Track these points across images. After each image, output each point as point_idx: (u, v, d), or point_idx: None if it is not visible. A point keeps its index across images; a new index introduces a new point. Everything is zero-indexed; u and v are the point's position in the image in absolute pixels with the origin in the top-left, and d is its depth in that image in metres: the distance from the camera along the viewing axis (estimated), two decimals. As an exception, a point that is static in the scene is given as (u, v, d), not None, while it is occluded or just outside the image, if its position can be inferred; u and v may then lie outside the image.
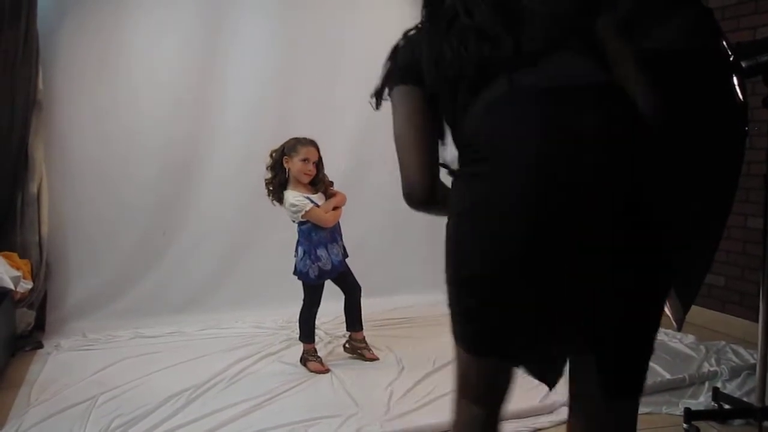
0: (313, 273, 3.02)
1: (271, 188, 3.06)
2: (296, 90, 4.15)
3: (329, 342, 3.45)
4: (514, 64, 1.14)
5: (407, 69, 1.27)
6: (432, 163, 1.28)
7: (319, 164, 3.07)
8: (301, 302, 3.12)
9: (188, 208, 4.02)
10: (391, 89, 1.31)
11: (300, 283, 3.09)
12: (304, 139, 3.05)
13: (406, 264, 4.37)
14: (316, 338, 3.23)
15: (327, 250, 3.04)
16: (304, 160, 3.00)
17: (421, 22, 1.30)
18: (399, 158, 1.30)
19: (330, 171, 3.15)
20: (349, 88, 4.23)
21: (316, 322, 3.17)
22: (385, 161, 4.31)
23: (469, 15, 1.19)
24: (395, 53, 1.32)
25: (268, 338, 3.52)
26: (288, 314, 3.58)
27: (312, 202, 3.01)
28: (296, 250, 3.08)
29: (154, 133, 3.92)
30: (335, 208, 3.09)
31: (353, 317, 3.22)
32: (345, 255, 3.15)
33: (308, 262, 3.02)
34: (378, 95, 1.34)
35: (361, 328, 3.24)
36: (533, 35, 1.16)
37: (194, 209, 4.02)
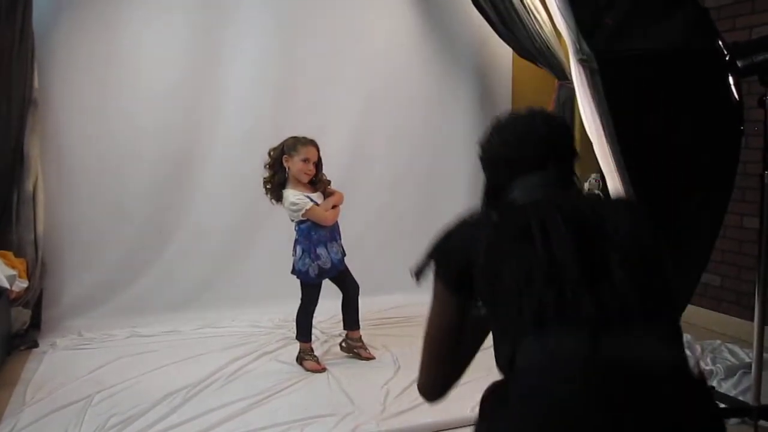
0: (313, 272, 3.02)
1: (269, 187, 3.06)
2: (294, 88, 4.14)
3: (326, 341, 3.45)
4: (585, 321, 1.06)
5: (455, 273, 1.23)
6: (450, 375, 1.31)
7: (318, 164, 3.07)
8: (298, 301, 3.12)
9: (185, 207, 4.01)
10: (434, 277, 1.27)
11: (297, 281, 3.09)
12: (304, 138, 3.05)
13: (402, 263, 4.33)
14: (313, 337, 3.22)
15: (327, 249, 3.04)
16: (305, 160, 2.99)
17: (483, 218, 1.25)
18: (423, 348, 1.32)
19: (326, 170, 3.15)
20: (346, 86, 4.24)
21: (313, 321, 3.17)
22: (381, 161, 4.37)
23: (546, 237, 1.13)
24: (446, 242, 1.26)
25: (265, 337, 3.51)
26: (284, 313, 3.57)
27: (312, 200, 3.01)
28: (294, 250, 3.08)
29: (151, 132, 3.91)
30: (334, 207, 3.09)
31: (351, 316, 3.22)
32: (344, 254, 3.14)
33: (308, 260, 3.02)
34: (418, 274, 1.29)
35: (359, 327, 3.24)
36: (611, 294, 1.08)
37: (191, 207, 4.01)
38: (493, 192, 1.36)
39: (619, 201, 1.45)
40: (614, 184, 2.40)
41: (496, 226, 1.21)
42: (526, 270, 1.12)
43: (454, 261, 1.24)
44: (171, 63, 3.94)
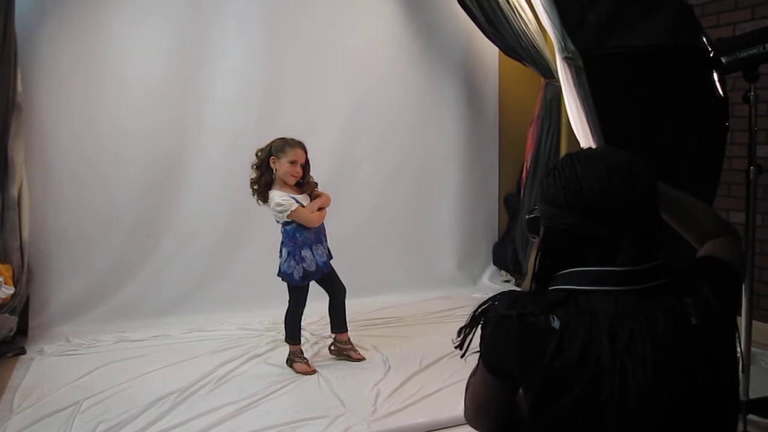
0: (297, 274, 3.01)
1: (256, 188, 3.04)
2: (281, 89, 4.13)
3: (315, 343, 3.44)
4: None
5: (503, 372, 1.18)
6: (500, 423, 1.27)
7: (305, 166, 3.05)
8: (287, 303, 3.11)
9: (172, 210, 3.98)
10: (480, 358, 1.21)
11: (286, 283, 3.08)
12: (292, 140, 3.03)
13: (390, 264, 4.37)
14: (302, 339, 3.22)
15: (312, 251, 3.03)
16: (292, 162, 2.98)
17: (542, 320, 1.10)
18: (471, 397, 1.29)
19: (314, 171, 3.13)
20: (334, 87, 4.24)
21: (302, 323, 3.16)
22: (370, 162, 4.37)
23: (622, 381, 1.05)
24: (496, 339, 1.16)
25: (255, 340, 3.50)
26: (274, 315, 3.55)
27: (297, 202, 3.00)
28: (280, 252, 3.07)
29: (137, 135, 3.88)
30: (320, 209, 3.08)
31: (338, 319, 3.21)
32: (329, 256, 3.13)
33: (293, 263, 3.01)
34: (461, 345, 1.24)
35: (346, 330, 3.23)
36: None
37: (178, 210, 3.99)
38: (554, 261, 1.18)
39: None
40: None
41: (559, 340, 1.07)
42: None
43: (505, 367, 1.16)
44: (157, 65, 3.91)
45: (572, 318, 1.08)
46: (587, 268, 1.12)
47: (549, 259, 1.18)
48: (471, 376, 1.26)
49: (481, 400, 1.26)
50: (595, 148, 1.24)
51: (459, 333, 1.23)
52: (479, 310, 1.19)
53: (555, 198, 1.17)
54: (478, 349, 1.21)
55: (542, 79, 4.23)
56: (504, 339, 1.14)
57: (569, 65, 2.40)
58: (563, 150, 4.13)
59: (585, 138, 2.45)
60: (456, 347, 1.23)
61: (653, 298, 1.09)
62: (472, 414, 1.30)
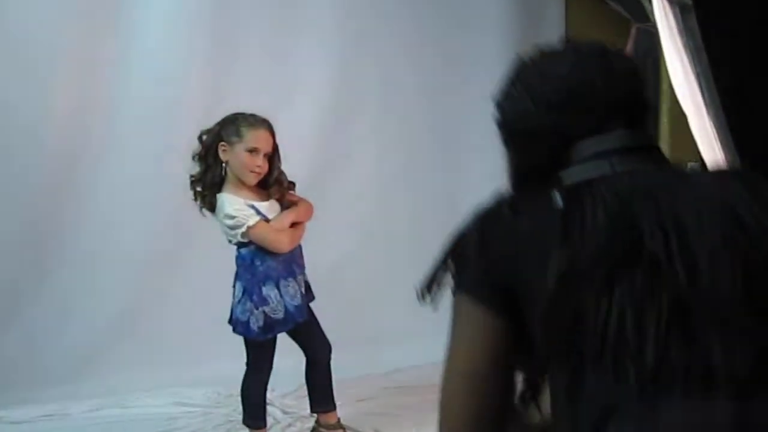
0: (255, 323, 2.95)
1: (199, 189, 2.99)
2: (235, 49, 4.18)
3: (289, 425, 3.43)
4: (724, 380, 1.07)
5: (497, 289, 1.21)
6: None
7: (273, 157, 3.01)
8: (244, 365, 3.07)
9: (72, 228, 4.00)
10: (458, 293, 1.26)
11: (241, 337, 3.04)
12: (252, 117, 2.99)
13: (398, 303, 4.33)
14: (269, 420, 3.20)
15: (278, 289, 2.98)
16: (252, 150, 2.93)
17: (541, 202, 1.21)
18: (442, 415, 1.27)
19: (286, 167, 3.09)
20: (309, 60, 4.27)
21: (268, 395, 3.15)
22: (363, 153, 4.34)
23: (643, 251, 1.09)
24: (480, 235, 1.26)
25: (197, 421, 3.50)
26: (226, 382, 3.54)
27: (259, 213, 2.96)
28: (234, 287, 3.03)
29: (24, 118, 3.89)
30: (295, 224, 3.04)
31: (321, 391, 3.19)
32: (308, 296, 3.10)
33: (249, 305, 2.96)
34: (428, 288, 1.27)
35: (334, 407, 3.21)
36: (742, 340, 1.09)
37: (81, 228, 4.00)
38: (531, 175, 1.32)
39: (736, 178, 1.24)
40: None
41: (564, 221, 1.14)
42: (623, 308, 1.08)
43: (496, 271, 1.21)
44: (55, 25, 3.92)
45: (577, 201, 1.16)
46: (575, 153, 1.25)
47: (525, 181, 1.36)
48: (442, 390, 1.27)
49: (466, 389, 1.25)
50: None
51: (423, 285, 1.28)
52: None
53: (514, 109, 1.34)
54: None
55: (631, 23, 4.24)
56: (494, 236, 1.23)
57: (672, 4, 2.43)
58: (663, 123, 4.12)
59: (694, 107, 2.47)
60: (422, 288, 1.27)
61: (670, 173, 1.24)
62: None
